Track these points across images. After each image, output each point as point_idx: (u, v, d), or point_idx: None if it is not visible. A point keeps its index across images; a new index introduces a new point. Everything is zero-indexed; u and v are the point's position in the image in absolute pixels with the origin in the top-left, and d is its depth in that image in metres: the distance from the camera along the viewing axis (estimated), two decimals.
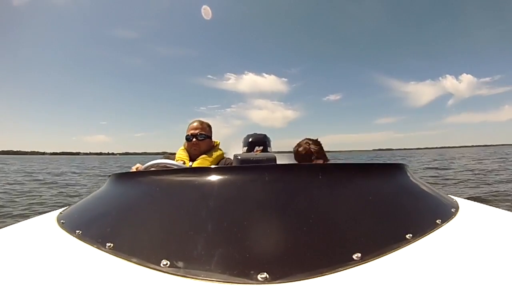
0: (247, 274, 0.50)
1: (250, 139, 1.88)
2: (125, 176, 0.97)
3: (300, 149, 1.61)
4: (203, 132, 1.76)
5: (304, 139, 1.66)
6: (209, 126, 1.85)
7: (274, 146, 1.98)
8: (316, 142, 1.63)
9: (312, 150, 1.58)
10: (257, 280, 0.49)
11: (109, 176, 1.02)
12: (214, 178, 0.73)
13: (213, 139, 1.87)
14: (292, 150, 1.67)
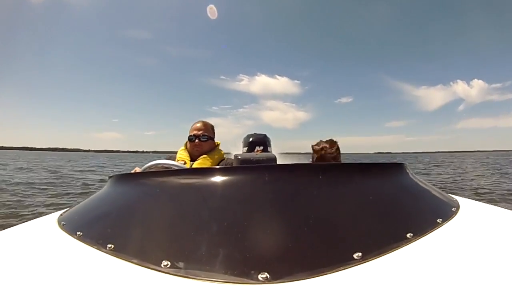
0: (248, 274, 0.48)
1: (251, 139, 1.81)
2: (126, 177, 0.93)
3: (318, 150, 1.51)
4: (206, 133, 1.68)
5: (320, 142, 1.55)
6: (212, 128, 1.77)
7: (286, 147, 1.92)
8: (332, 145, 1.53)
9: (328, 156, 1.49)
10: (258, 280, 0.47)
11: (110, 177, 0.97)
12: (214, 178, 0.70)
13: (219, 139, 1.80)
14: (298, 151, 1.61)
